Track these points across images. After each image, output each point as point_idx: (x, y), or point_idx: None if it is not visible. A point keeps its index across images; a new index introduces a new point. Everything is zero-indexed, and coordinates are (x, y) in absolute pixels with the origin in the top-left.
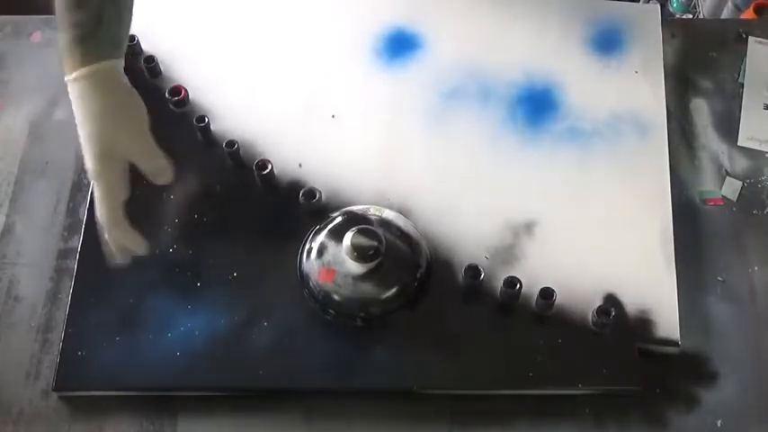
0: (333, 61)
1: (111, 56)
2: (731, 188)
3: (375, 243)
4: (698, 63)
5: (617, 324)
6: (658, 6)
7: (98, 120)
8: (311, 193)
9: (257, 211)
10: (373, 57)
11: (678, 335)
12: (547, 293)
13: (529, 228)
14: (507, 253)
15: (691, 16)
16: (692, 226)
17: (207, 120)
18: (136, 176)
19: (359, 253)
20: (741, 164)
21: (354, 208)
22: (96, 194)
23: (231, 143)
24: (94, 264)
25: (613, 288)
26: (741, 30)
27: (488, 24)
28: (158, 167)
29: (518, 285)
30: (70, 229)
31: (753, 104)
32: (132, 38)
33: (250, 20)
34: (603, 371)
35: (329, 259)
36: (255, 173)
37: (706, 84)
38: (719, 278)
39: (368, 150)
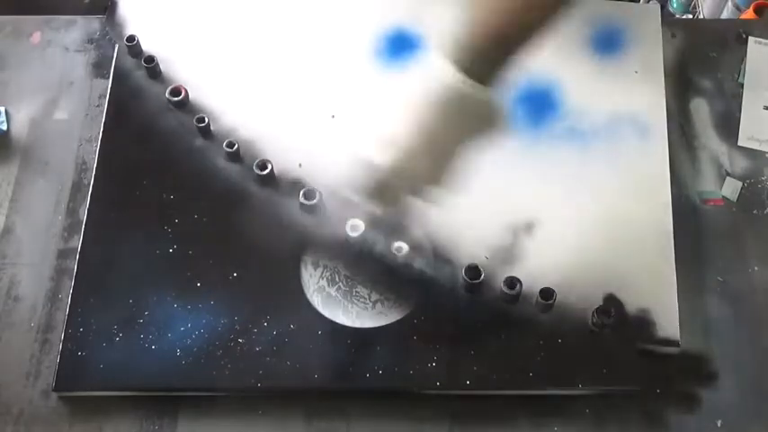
0: (333, 61)
1: None
2: (731, 188)
3: None
4: (698, 63)
5: (617, 324)
6: (658, 6)
7: None
8: (311, 193)
9: (257, 211)
10: (373, 57)
11: (678, 335)
12: (547, 293)
13: (529, 228)
14: (507, 253)
15: (691, 16)
16: (691, 226)
17: (207, 120)
18: (133, 176)
19: None
20: (741, 164)
21: None
22: None
23: (231, 143)
24: (94, 264)
25: (613, 288)
26: (741, 30)
27: None
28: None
29: (518, 285)
30: (70, 229)
31: (753, 104)
32: (132, 38)
33: (250, 20)
34: (603, 371)
35: None
36: (255, 173)
37: (706, 84)
38: (719, 278)
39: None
